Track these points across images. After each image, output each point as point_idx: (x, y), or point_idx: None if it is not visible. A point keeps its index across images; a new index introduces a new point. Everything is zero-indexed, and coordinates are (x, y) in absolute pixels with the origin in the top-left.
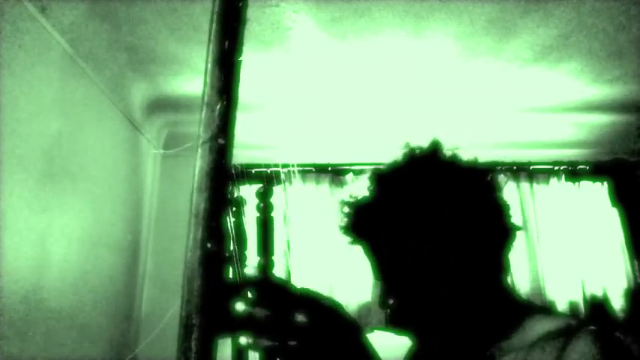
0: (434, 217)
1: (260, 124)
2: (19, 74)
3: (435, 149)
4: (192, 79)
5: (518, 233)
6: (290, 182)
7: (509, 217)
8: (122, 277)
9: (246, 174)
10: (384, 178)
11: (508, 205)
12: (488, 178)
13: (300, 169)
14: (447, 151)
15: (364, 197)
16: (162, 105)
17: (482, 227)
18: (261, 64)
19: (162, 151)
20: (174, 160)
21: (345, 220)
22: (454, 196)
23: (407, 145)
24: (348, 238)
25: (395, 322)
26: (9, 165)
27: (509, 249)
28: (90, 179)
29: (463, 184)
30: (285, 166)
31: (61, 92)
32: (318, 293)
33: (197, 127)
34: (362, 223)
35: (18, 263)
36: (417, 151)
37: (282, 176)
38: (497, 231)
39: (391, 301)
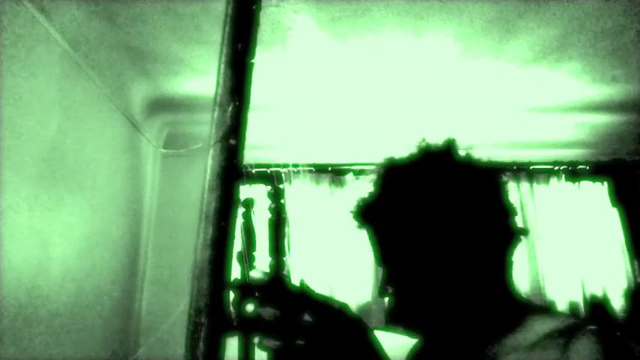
0: (442, 212)
1: (259, 124)
2: (19, 74)
3: (449, 146)
4: (192, 79)
5: (523, 236)
6: (289, 182)
7: (515, 219)
8: (122, 277)
9: (247, 174)
10: (397, 169)
11: (514, 207)
12: (498, 178)
13: (300, 169)
14: (461, 149)
15: (375, 185)
16: (162, 105)
17: (490, 226)
18: (261, 64)
19: (164, 150)
20: (175, 159)
21: (356, 205)
22: (465, 193)
23: (423, 140)
24: (355, 223)
25: (393, 315)
26: (9, 165)
27: (514, 249)
28: (90, 179)
29: (474, 183)
30: (284, 165)
31: (61, 92)
32: (325, 295)
33: (197, 126)
34: (371, 210)
35: (18, 263)
36: (432, 147)
37: (282, 176)
38: (504, 231)
39: (390, 290)
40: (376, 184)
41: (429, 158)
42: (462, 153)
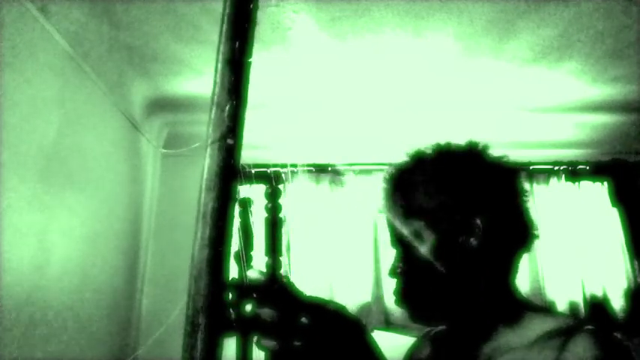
0: (458, 207)
1: (259, 124)
2: (19, 74)
3: (471, 146)
4: (192, 79)
5: (536, 239)
6: (289, 182)
7: (531, 221)
8: (122, 277)
9: (246, 173)
10: (420, 161)
11: (530, 209)
12: (518, 180)
13: (300, 168)
14: (483, 148)
15: (394, 176)
16: (162, 105)
17: (504, 226)
18: (261, 64)
19: (164, 150)
20: (175, 159)
21: (380, 192)
22: (483, 190)
23: (442, 141)
24: (379, 207)
25: (399, 295)
26: (9, 164)
27: (524, 251)
28: (90, 179)
29: (494, 181)
30: (284, 165)
31: (61, 92)
32: (323, 298)
33: (197, 126)
34: (388, 198)
35: (18, 263)
36: (454, 145)
37: (282, 176)
38: (518, 232)
39: (400, 271)
40: (395, 175)
41: (455, 153)
42: (483, 151)
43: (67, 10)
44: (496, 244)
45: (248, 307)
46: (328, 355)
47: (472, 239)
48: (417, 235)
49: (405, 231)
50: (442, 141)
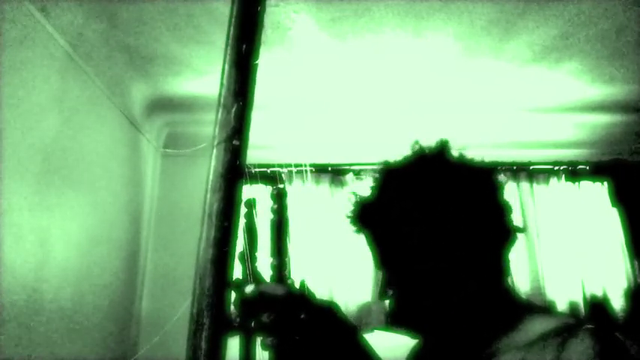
0: (439, 214)
1: (259, 124)
2: (19, 74)
3: (443, 148)
4: (192, 79)
5: (519, 235)
6: (290, 182)
7: (512, 218)
8: (122, 277)
9: (250, 174)
10: (393, 173)
11: (510, 206)
12: (493, 178)
13: (300, 168)
14: (455, 150)
15: (372, 189)
16: (162, 105)
17: (486, 226)
18: (261, 64)
19: (164, 150)
20: (175, 159)
21: (353, 210)
22: (460, 194)
23: (416, 142)
24: (353, 228)
25: (394, 316)
26: (9, 165)
27: (510, 249)
28: (90, 179)
29: (469, 183)
30: (284, 166)
31: (61, 92)
32: (320, 298)
33: (198, 126)
34: (368, 214)
35: (18, 263)
36: (426, 149)
37: (282, 176)
38: (500, 231)
39: (390, 292)
40: (372, 188)
41: (424, 161)
42: (455, 154)
43: (67, 10)
44: (484, 247)
45: (250, 308)
46: (324, 349)
47: (461, 246)
48: (406, 252)
49: (392, 250)
50: (412, 149)
